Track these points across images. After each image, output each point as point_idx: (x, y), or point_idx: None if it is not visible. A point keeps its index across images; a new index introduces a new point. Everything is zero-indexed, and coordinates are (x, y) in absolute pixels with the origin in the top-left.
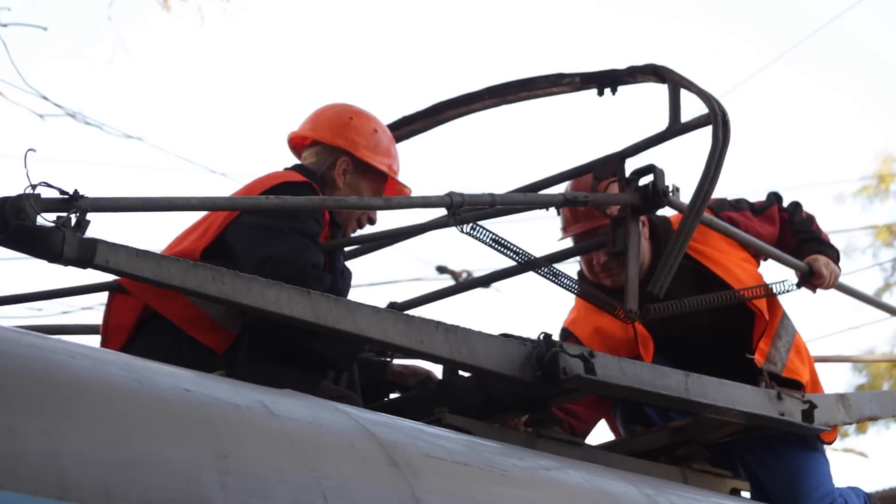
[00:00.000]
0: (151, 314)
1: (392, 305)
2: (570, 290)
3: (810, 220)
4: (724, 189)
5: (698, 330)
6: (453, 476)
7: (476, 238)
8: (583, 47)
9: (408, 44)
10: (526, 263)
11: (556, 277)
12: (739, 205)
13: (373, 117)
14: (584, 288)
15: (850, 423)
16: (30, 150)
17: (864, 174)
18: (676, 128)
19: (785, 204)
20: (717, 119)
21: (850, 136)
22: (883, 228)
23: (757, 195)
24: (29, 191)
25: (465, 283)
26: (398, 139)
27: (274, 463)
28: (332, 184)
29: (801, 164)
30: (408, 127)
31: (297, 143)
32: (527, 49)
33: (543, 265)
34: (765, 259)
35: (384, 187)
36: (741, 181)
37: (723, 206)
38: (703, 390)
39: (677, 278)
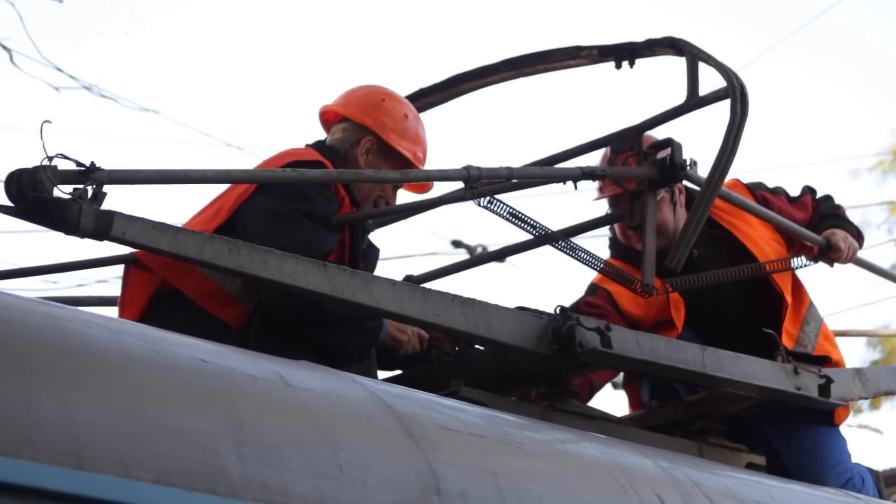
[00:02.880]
0: (167, 290)
1: (408, 279)
2: (587, 264)
3: (839, 206)
4: (738, 168)
5: (727, 302)
6: (469, 448)
7: (493, 212)
8: (575, 36)
9: (426, 16)
10: (543, 237)
11: (573, 251)
12: (776, 189)
13: (406, 103)
14: (601, 262)
15: (867, 398)
16: (45, 121)
17: (880, 150)
18: (694, 101)
19: (818, 196)
20: (735, 93)
21: (854, 118)
22: None
23: (770, 174)
24: (45, 162)
25: (480, 257)
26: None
27: (290, 434)
28: (354, 162)
29: (813, 144)
30: (425, 99)
31: (328, 118)
32: (524, 35)
33: (560, 239)
34: (792, 246)
35: None
36: (754, 159)
37: (760, 186)
38: (720, 364)
39: (712, 247)
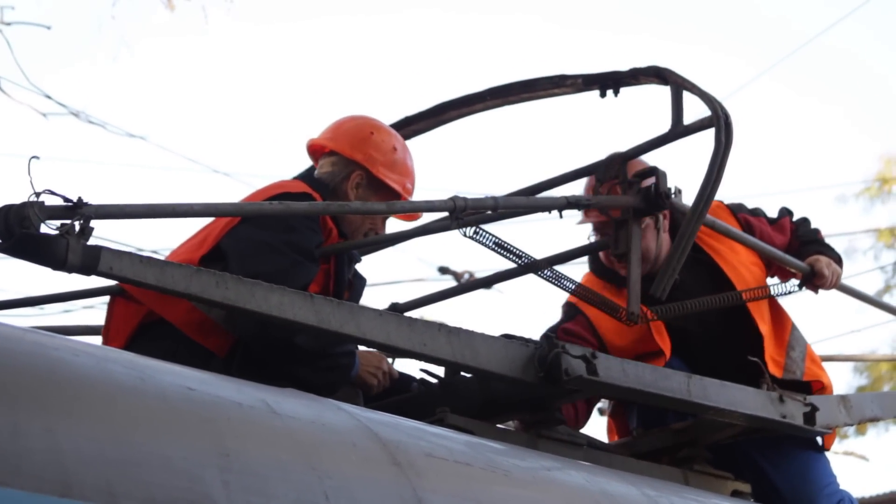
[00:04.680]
0: (152, 320)
1: (394, 306)
2: (572, 293)
3: (816, 230)
4: (725, 194)
5: (709, 329)
6: (455, 476)
7: (479, 242)
8: (571, 64)
9: (410, 46)
10: (527, 266)
11: (558, 280)
12: (756, 211)
13: (394, 134)
14: (586, 290)
15: (852, 425)
16: (33, 157)
17: (867, 177)
18: (679, 130)
19: (795, 219)
20: (719, 121)
21: (843, 144)
22: (885, 231)
23: (757, 199)
24: (33, 198)
25: (467, 285)
26: None
27: (276, 462)
28: (344, 195)
29: (801, 169)
30: (410, 127)
31: (315, 150)
32: (511, 64)
33: (544, 267)
34: (770, 268)
35: None
36: (742, 185)
37: (741, 209)
38: (706, 392)
39: (694, 271)
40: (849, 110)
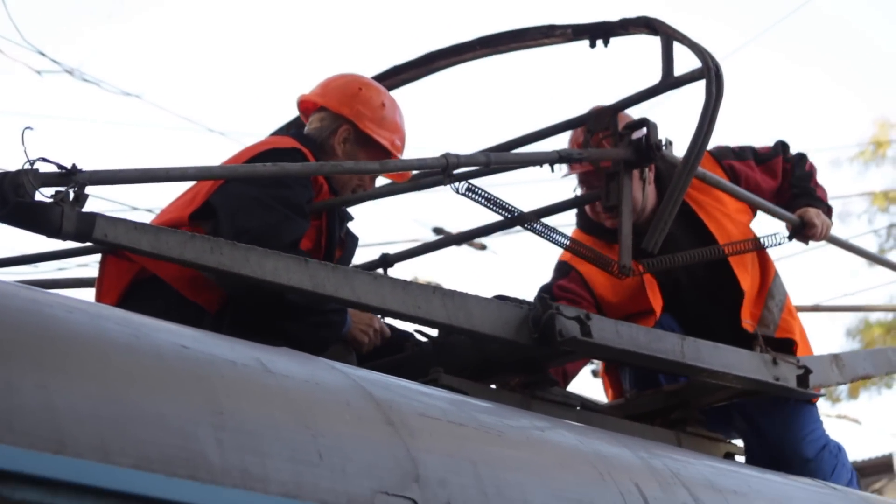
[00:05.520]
0: (144, 277)
1: (384, 257)
2: (561, 246)
3: (810, 174)
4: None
5: (698, 281)
6: (449, 436)
7: (469, 197)
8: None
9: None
10: (515, 218)
11: (548, 233)
12: (743, 153)
13: (384, 91)
14: (576, 244)
15: (845, 383)
16: (27, 128)
17: (861, 140)
18: (669, 81)
19: (789, 155)
20: (710, 73)
21: (837, 108)
22: (879, 194)
23: None
24: (27, 166)
25: (457, 237)
26: (389, 88)
27: (270, 420)
28: (332, 151)
29: (795, 134)
30: (398, 76)
31: (306, 108)
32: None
33: (533, 220)
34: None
35: None
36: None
37: (725, 155)
38: (699, 354)
39: (681, 224)
40: (842, 75)
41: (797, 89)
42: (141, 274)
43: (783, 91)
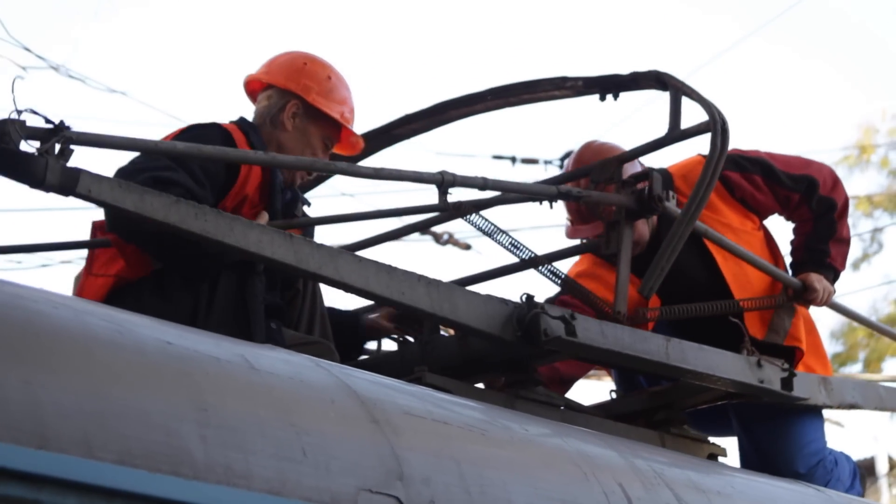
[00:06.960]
0: (117, 290)
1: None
2: (565, 289)
3: (830, 232)
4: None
5: (697, 287)
6: (433, 434)
7: (477, 227)
8: (564, 28)
9: (412, 40)
10: (527, 261)
11: (554, 276)
12: (751, 166)
13: (328, 65)
14: (575, 286)
15: (831, 408)
16: (17, 77)
17: (846, 144)
18: (676, 134)
19: (815, 203)
20: (716, 127)
21: (829, 106)
22: (863, 199)
23: None
24: (14, 115)
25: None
26: (399, 137)
27: (254, 417)
28: (281, 126)
29: (783, 133)
30: (409, 126)
31: (253, 88)
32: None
33: (542, 263)
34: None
35: (337, 135)
36: None
37: (727, 165)
38: (683, 356)
39: (686, 247)
40: (838, 69)
41: (780, 91)
42: (116, 284)
43: (784, 84)
